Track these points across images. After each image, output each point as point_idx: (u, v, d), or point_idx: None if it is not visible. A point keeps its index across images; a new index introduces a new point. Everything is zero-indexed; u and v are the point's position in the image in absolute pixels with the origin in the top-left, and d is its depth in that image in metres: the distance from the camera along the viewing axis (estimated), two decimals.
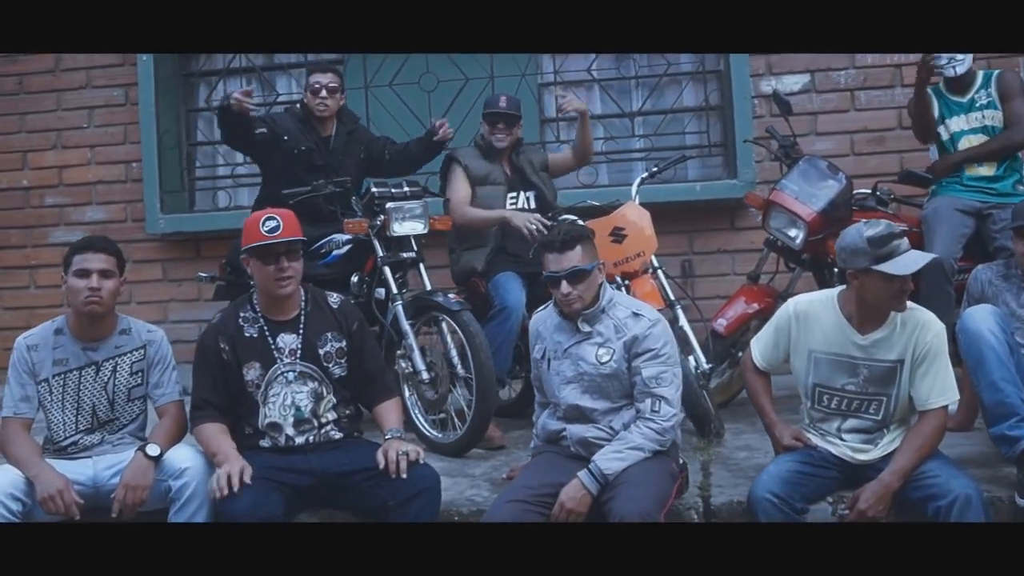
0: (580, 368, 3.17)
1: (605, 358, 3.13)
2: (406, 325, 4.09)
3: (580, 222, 4.35)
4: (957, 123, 4.47)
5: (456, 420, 4.10)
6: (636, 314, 3.18)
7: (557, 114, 5.81)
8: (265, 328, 3.31)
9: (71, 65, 6.13)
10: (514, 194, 4.62)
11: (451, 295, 4.09)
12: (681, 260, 5.64)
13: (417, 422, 4.18)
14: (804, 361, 3.20)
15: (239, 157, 6.08)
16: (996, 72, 4.47)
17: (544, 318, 3.33)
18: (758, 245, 5.38)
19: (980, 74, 4.48)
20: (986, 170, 4.41)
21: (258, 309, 3.33)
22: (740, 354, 4.48)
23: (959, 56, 4.36)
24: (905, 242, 3.04)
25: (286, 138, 4.57)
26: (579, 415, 3.18)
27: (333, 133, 4.70)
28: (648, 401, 3.07)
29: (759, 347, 3.33)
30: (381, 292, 4.34)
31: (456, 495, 3.43)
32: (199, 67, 6.24)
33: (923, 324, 3.07)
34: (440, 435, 4.12)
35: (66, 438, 3.31)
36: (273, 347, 3.29)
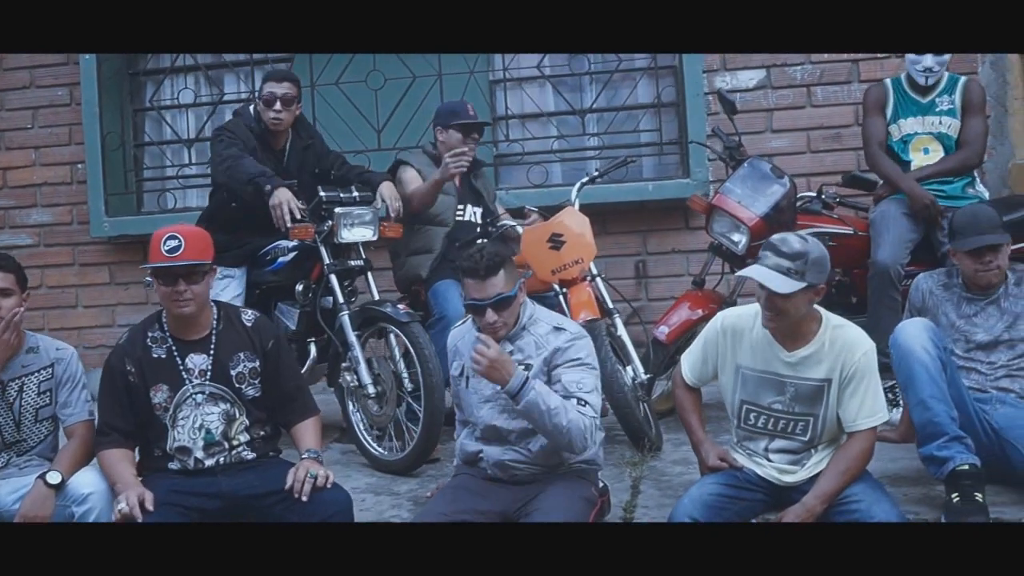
0: (496, 387, 3.06)
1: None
2: (352, 337, 3.98)
3: (519, 227, 4.28)
4: (912, 124, 4.34)
5: (399, 435, 4.00)
6: (557, 328, 3.08)
7: (507, 113, 5.69)
8: (174, 348, 3.18)
9: (14, 64, 6.00)
10: (462, 206, 4.51)
11: (400, 305, 3.98)
12: (635, 261, 5.54)
13: (362, 439, 4.08)
14: (731, 377, 3.10)
15: (187, 157, 5.99)
16: (964, 80, 4.34)
17: (462, 334, 3.22)
18: None
19: (946, 77, 4.34)
20: None
21: (167, 328, 3.21)
22: None
23: (936, 68, 4.21)
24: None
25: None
26: (496, 435, 3.08)
27: (287, 147, 4.46)
28: (572, 401, 2.93)
29: (688, 362, 3.22)
30: (328, 300, 4.22)
31: (376, 516, 3.35)
32: (145, 66, 6.09)
33: (851, 343, 2.96)
34: (385, 452, 4.02)
35: None
36: (182, 368, 3.17)
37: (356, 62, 5.59)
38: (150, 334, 3.21)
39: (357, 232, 4.14)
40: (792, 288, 2.87)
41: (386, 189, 4.32)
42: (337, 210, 4.11)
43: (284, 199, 4.00)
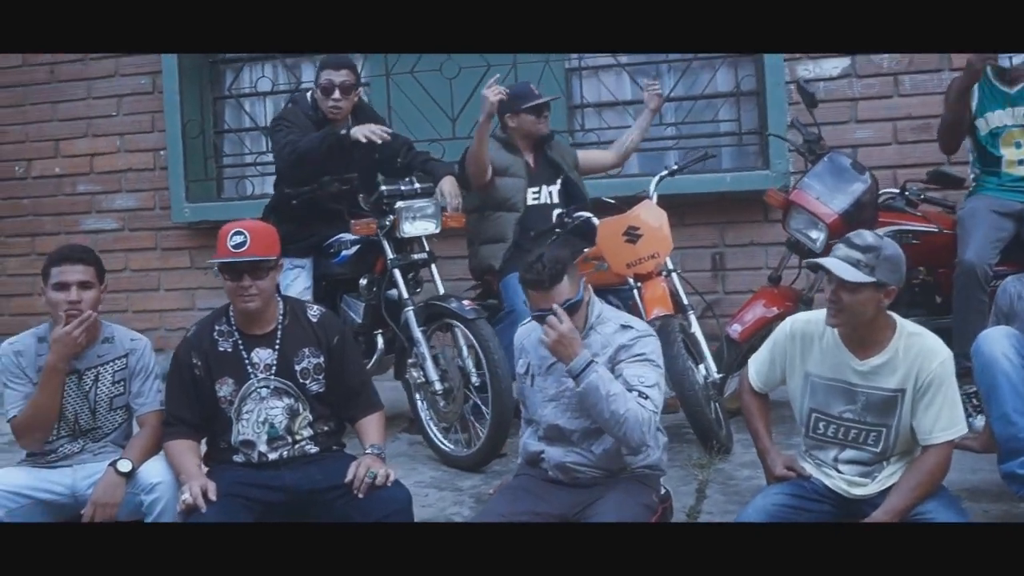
0: (563, 384, 3.01)
1: None
2: (418, 333, 3.98)
3: (595, 220, 4.22)
4: (1000, 117, 4.14)
5: (464, 428, 4.00)
6: (624, 326, 3.01)
7: (583, 102, 5.61)
8: (240, 342, 3.21)
9: (99, 54, 6.13)
10: (536, 188, 4.48)
11: (465, 301, 3.97)
12: (712, 253, 5.43)
13: (431, 434, 4.09)
14: (800, 384, 2.99)
15: (264, 145, 6.06)
16: None
17: (528, 332, 3.17)
18: None
19: None
20: None
21: (233, 322, 3.24)
22: None
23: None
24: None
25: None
26: (559, 436, 3.04)
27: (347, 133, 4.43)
28: (634, 393, 2.87)
29: (756, 366, 3.13)
30: (394, 293, 4.21)
31: (437, 513, 3.34)
32: (224, 55, 6.17)
33: (927, 351, 2.83)
34: (453, 447, 4.02)
35: (47, 446, 3.27)
36: (247, 362, 3.20)
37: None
38: (217, 327, 3.25)
39: (419, 225, 4.12)
40: (858, 278, 2.75)
41: (447, 184, 4.29)
42: (398, 204, 4.08)
43: (366, 129, 4.01)
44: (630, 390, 2.86)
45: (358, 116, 4.48)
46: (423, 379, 3.98)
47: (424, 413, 4.11)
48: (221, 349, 3.21)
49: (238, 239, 3.13)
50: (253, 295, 3.14)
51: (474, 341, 3.89)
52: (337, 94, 4.27)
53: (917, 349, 2.84)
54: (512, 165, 4.46)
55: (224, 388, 3.18)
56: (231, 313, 3.26)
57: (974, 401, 3.53)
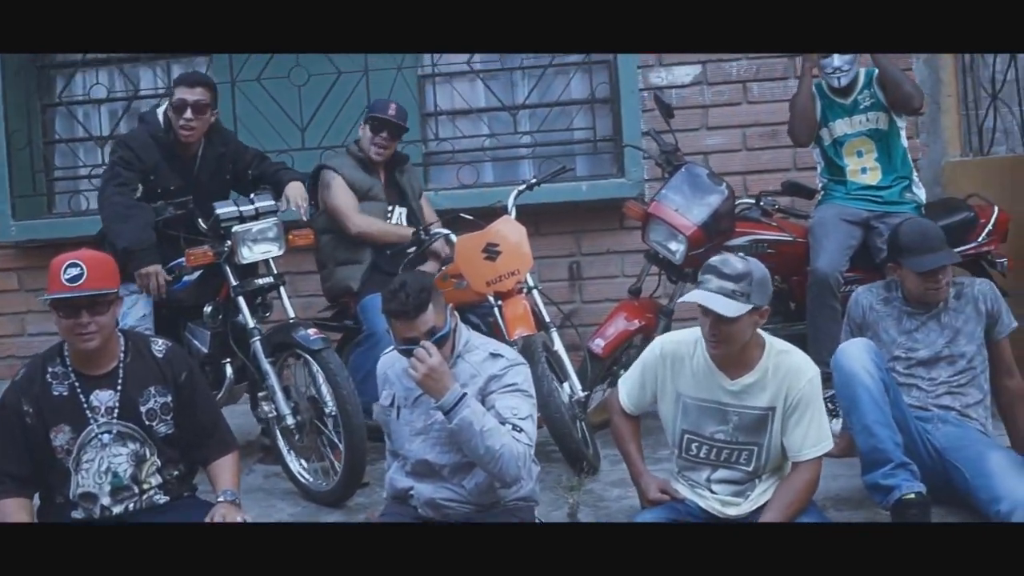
0: (431, 417, 2.90)
1: None
2: (266, 365, 3.78)
3: (453, 237, 4.11)
4: (841, 126, 4.27)
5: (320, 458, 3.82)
6: (494, 355, 2.92)
7: (436, 110, 5.49)
8: (77, 384, 2.95)
9: None
10: (390, 208, 4.33)
11: (311, 330, 3.76)
12: (568, 262, 5.39)
13: (291, 469, 3.88)
14: (672, 406, 2.98)
15: (100, 157, 5.67)
16: (876, 71, 4.26)
17: (392, 361, 3.04)
18: None
19: (861, 74, 4.26)
20: (871, 178, 4.22)
21: (69, 363, 2.97)
22: (622, 372, 4.27)
23: (845, 67, 4.14)
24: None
25: (152, 178, 4.00)
26: (428, 471, 2.91)
27: (199, 155, 4.13)
28: (507, 426, 2.78)
29: (626, 389, 3.10)
30: (241, 320, 3.96)
31: None
32: (53, 59, 5.75)
33: (795, 369, 2.86)
34: (316, 481, 3.83)
35: None
36: (86, 406, 2.94)
37: (279, 57, 5.31)
38: (50, 369, 2.98)
39: (260, 249, 3.88)
40: (739, 311, 2.77)
41: (292, 190, 4.08)
42: (235, 228, 3.83)
43: (153, 272, 3.82)
44: (503, 423, 2.77)
45: (212, 138, 4.20)
46: (275, 413, 3.78)
47: (283, 446, 3.90)
48: (55, 393, 2.94)
49: (73, 272, 2.88)
50: (92, 333, 2.88)
51: (320, 371, 3.72)
52: (189, 113, 3.98)
53: (786, 367, 2.86)
54: (373, 187, 4.31)
55: (60, 437, 2.92)
56: (66, 352, 2.99)
57: (830, 405, 3.60)
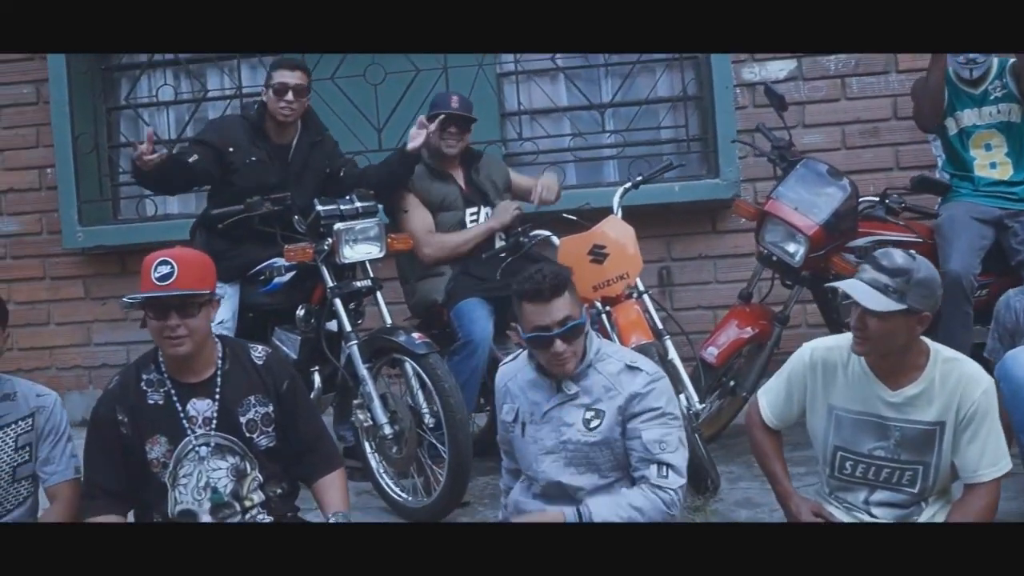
0: (563, 435, 2.65)
1: (594, 423, 2.61)
2: (363, 371, 3.55)
3: (555, 239, 3.86)
4: (969, 116, 4.00)
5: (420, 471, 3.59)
6: (631, 367, 2.66)
7: (518, 108, 5.25)
8: (172, 393, 2.73)
9: None
10: (474, 209, 4.08)
11: (415, 334, 3.54)
12: (658, 268, 5.10)
13: (383, 485, 3.66)
14: (823, 420, 2.69)
15: None
16: (1010, 60, 3.97)
17: (513, 372, 2.78)
18: (744, 249, 4.91)
19: (994, 63, 3.98)
20: (1000, 173, 3.93)
21: (164, 369, 2.75)
22: (732, 383, 4.00)
23: (980, 57, 3.87)
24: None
25: (231, 150, 3.84)
26: (560, 493, 2.65)
27: (294, 143, 3.98)
28: (653, 467, 2.56)
29: (768, 400, 2.81)
30: (334, 325, 3.76)
31: None
32: (119, 61, 5.58)
33: (968, 379, 2.55)
34: (409, 497, 3.59)
35: None
36: (183, 416, 2.72)
37: (352, 55, 5.11)
38: (145, 376, 2.76)
39: (361, 249, 3.70)
40: (887, 307, 2.48)
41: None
42: (337, 226, 3.66)
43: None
44: (651, 461, 2.56)
45: (307, 126, 4.06)
46: (371, 422, 3.54)
47: (373, 459, 3.67)
48: (151, 402, 2.73)
49: (164, 270, 2.66)
50: (182, 336, 2.66)
51: (426, 378, 3.48)
52: (290, 95, 3.85)
53: (957, 376, 2.56)
54: (447, 196, 4.06)
55: (156, 449, 2.70)
56: (160, 358, 2.77)
57: None
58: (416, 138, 3.93)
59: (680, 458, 2.59)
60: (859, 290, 2.52)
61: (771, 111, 4.36)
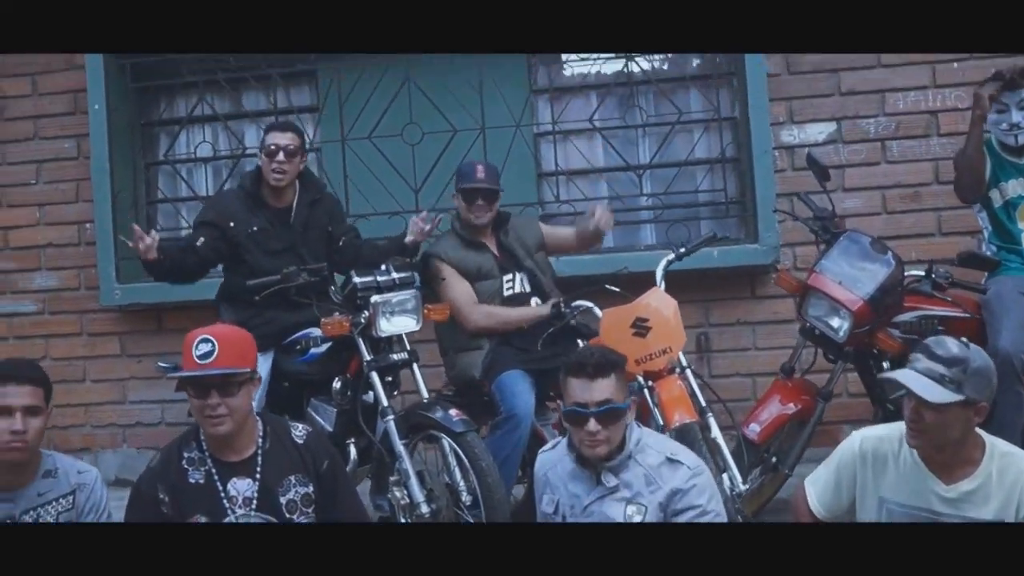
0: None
1: (636, 518, 2.60)
2: (400, 447, 3.53)
3: (596, 310, 3.82)
4: (1015, 187, 3.94)
5: None
6: (672, 460, 2.65)
7: (555, 169, 5.24)
8: (213, 471, 2.75)
9: (16, 114, 5.55)
10: (509, 276, 4.05)
11: (452, 410, 3.53)
12: (696, 333, 5.05)
13: None
14: (873, 512, 2.63)
15: None
16: None
17: (554, 462, 2.77)
18: (783, 316, 4.87)
19: None
20: None
21: (205, 448, 2.77)
22: (774, 459, 3.93)
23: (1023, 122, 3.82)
24: None
25: (232, 224, 3.93)
26: None
27: (294, 204, 4.05)
28: None
29: (817, 490, 2.75)
30: (370, 397, 3.75)
31: None
32: (159, 115, 5.65)
33: None
34: None
35: None
36: (223, 495, 2.73)
37: (391, 114, 5.16)
38: (186, 454, 2.78)
39: (398, 322, 3.71)
40: (944, 398, 2.44)
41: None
42: (374, 299, 3.66)
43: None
44: None
45: (305, 185, 4.13)
46: (407, 500, 3.51)
47: None
48: (192, 481, 2.75)
49: (205, 348, 2.70)
50: (223, 416, 2.69)
51: (464, 456, 3.47)
52: (281, 156, 3.94)
53: (1015, 472, 2.51)
54: (482, 265, 4.03)
55: None
56: (202, 437, 2.78)
57: None
58: (415, 234, 4.02)
59: None
60: (915, 381, 2.48)
61: (810, 175, 4.32)
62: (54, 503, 2.80)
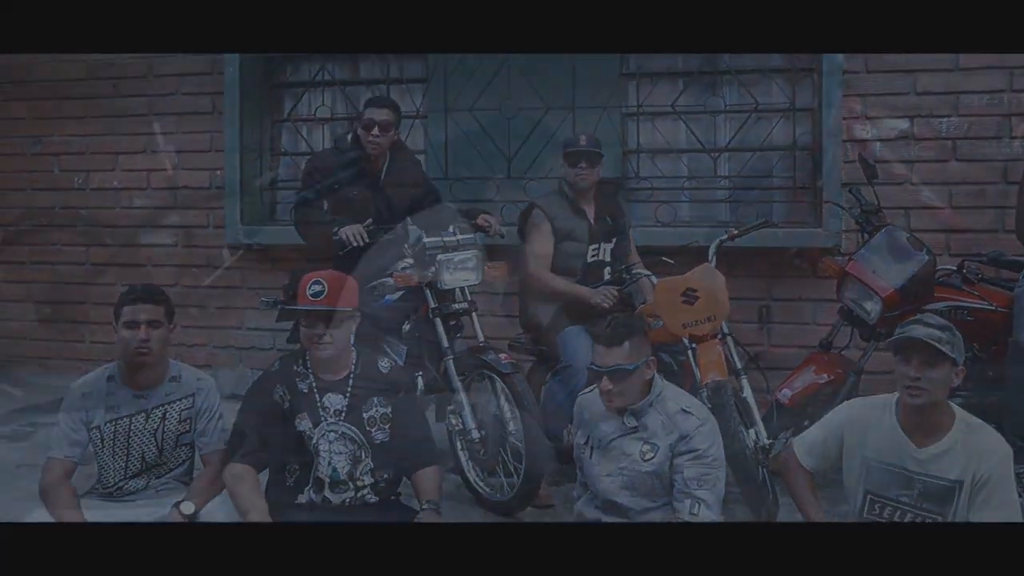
0: (622, 463, 3.11)
1: (649, 455, 3.06)
2: (457, 383, 4.08)
3: (654, 279, 4.25)
4: None
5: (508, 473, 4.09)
6: (685, 411, 3.10)
7: (638, 147, 5.66)
8: (315, 385, 3.32)
9: (163, 71, 6.24)
10: (595, 246, 4.53)
11: (503, 354, 4.04)
12: (759, 305, 5.43)
13: (469, 477, 4.17)
14: (857, 468, 3.03)
15: None
16: None
17: (591, 403, 3.24)
18: None
19: None
20: None
21: (309, 366, 3.35)
22: (807, 423, 4.31)
23: None
24: None
25: (336, 187, 4.48)
26: (615, 509, 3.11)
27: (384, 169, 4.58)
28: (687, 502, 2.97)
29: (806, 445, 3.14)
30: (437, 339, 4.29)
31: None
32: (286, 78, 6.27)
33: (988, 445, 2.87)
34: (491, 491, 4.11)
35: (115, 483, 3.36)
36: (320, 405, 3.30)
37: (491, 90, 5.65)
38: (296, 368, 3.36)
39: (459, 276, 4.22)
40: (953, 355, 2.81)
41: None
42: (439, 256, 4.18)
43: (351, 232, 4.23)
44: (687, 495, 2.97)
45: (396, 155, 4.64)
46: (461, 426, 4.07)
47: (463, 456, 4.19)
48: (299, 388, 3.32)
49: (316, 288, 3.26)
50: (327, 343, 3.25)
51: (509, 393, 3.99)
52: (376, 131, 4.45)
53: (977, 441, 2.88)
54: (575, 229, 4.49)
55: (303, 423, 3.28)
56: (307, 357, 3.37)
57: None
58: (483, 221, 4.46)
59: (713, 496, 3.00)
60: (930, 336, 2.82)
61: (880, 167, 4.60)
62: (177, 403, 3.40)
